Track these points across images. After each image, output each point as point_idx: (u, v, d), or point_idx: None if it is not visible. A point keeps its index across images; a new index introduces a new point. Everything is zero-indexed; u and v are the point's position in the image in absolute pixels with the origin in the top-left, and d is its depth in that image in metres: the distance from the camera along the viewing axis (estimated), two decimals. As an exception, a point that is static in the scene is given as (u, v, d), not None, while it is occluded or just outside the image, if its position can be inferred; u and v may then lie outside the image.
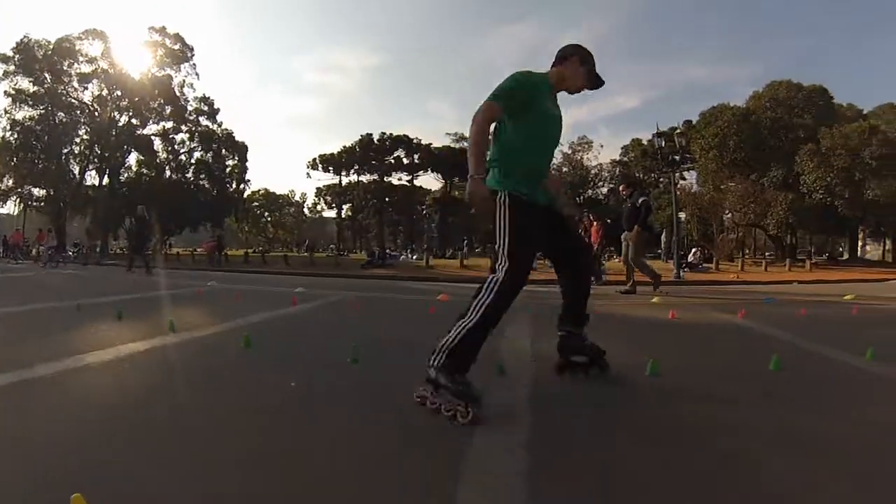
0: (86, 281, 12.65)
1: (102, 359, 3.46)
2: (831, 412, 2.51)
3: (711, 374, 3.27)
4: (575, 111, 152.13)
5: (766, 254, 37.44)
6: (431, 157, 62.22)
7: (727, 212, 31.57)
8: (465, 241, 42.63)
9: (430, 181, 69.33)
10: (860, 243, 39.13)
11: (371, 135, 62.86)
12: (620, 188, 12.75)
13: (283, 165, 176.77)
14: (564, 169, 63.90)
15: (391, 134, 62.56)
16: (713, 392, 2.88)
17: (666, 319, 5.74)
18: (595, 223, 13.26)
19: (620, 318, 6.19)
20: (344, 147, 64.05)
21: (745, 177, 30.77)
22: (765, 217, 29.46)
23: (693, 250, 23.41)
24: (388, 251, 27.89)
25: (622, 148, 61.62)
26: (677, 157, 21.10)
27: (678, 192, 43.14)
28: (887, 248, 38.65)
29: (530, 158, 2.81)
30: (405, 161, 63.75)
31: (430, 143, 62.58)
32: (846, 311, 6.72)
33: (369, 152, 62.87)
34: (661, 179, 56.69)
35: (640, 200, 9.66)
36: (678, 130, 22.90)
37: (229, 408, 2.51)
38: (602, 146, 70.19)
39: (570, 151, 63.66)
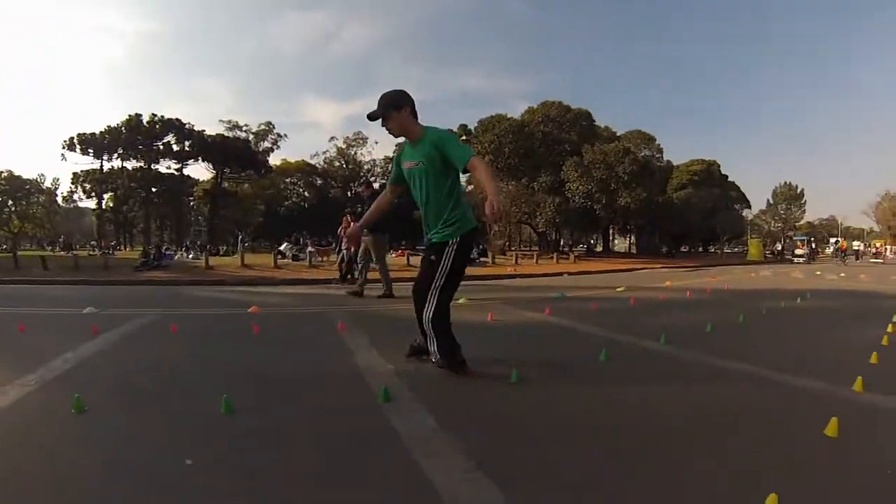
0: None
1: None
2: (657, 385, 3.41)
3: (562, 372, 3.76)
4: (347, 106, 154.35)
5: (533, 248, 41.84)
6: (203, 145, 57.69)
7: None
8: (241, 237, 40.41)
9: (199, 171, 64.94)
10: (611, 238, 45.77)
11: (140, 115, 56.55)
12: (361, 190, 13.13)
13: (30, 143, 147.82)
14: (337, 163, 65.01)
15: (162, 116, 56.94)
16: (575, 388, 3.37)
17: (488, 322, 6.07)
18: (353, 222, 13.17)
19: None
20: (108, 127, 56.55)
21: (517, 180, 34.28)
22: (534, 216, 33.27)
23: (470, 246, 25.09)
24: (163, 251, 25.21)
25: (396, 145, 64.14)
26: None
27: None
28: (631, 241, 45.90)
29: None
30: (175, 147, 58.32)
31: (203, 130, 58.22)
32: (626, 303, 7.87)
33: (137, 135, 56.30)
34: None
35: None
36: (462, 137, 24.38)
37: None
38: (377, 142, 72.84)
39: (344, 146, 64.88)
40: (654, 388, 3.34)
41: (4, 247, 50.44)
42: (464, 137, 24.44)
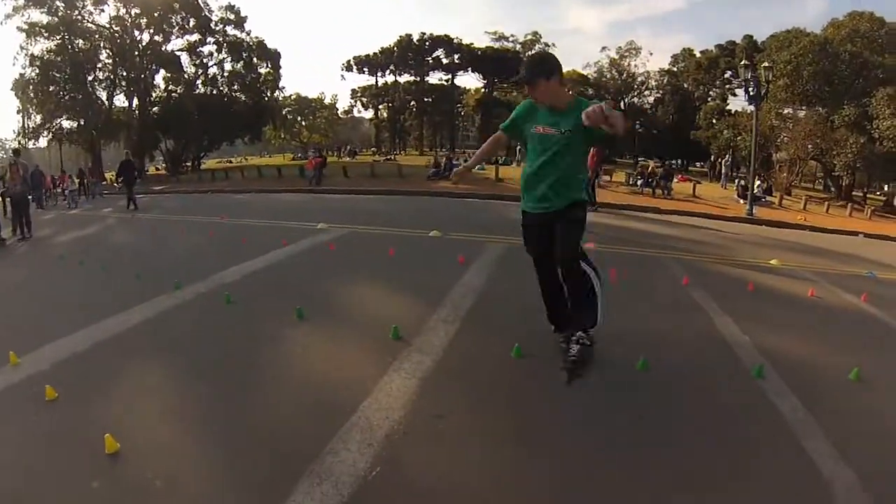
0: (155, 231, 11.47)
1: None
2: None
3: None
4: (610, 10, 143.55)
5: (817, 186, 36.82)
6: (472, 58, 61.70)
7: (785, 140, 30.63)
8: (518, 147, 41.15)
9: (470, 80, 68.72)
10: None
11: (410, 35, 62.45)
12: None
13: (310, 68, 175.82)
14: (608, 74, 62.66)
15: (431, 34, 62.08)
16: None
17: (808, 299, 6.11)
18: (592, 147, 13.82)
19: (765, 293, 6.27)
20: (381, 48, 63.87)
21: (814, 110, 29.87)
22: (829, 154, 28.46)
23: (757, 183, 23.29)
24: (452, 160, 26.58)
25: (672, 57, 59.96)
26: (748, 90, 20.26)
27: (733, 114, 42.39)
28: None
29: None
30: (445, 61, 63.44)
31: (472, 43, 61.86)
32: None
33: (408, 52, 62.72)
34: (711, 94, 55.47)
35: None
36: (743, 62, 22.20)
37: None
38: (651, 53, 68.81)
39: (616, 56, 61.98)
40: None
41: (299, 155, 60.79)
42: (744, 63, 21.35)
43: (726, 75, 53.11)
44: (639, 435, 2.91)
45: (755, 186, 22.06)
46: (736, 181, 24.26)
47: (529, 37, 64.79)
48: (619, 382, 3.52)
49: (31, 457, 2.72)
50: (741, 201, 19.64)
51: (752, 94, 19.08)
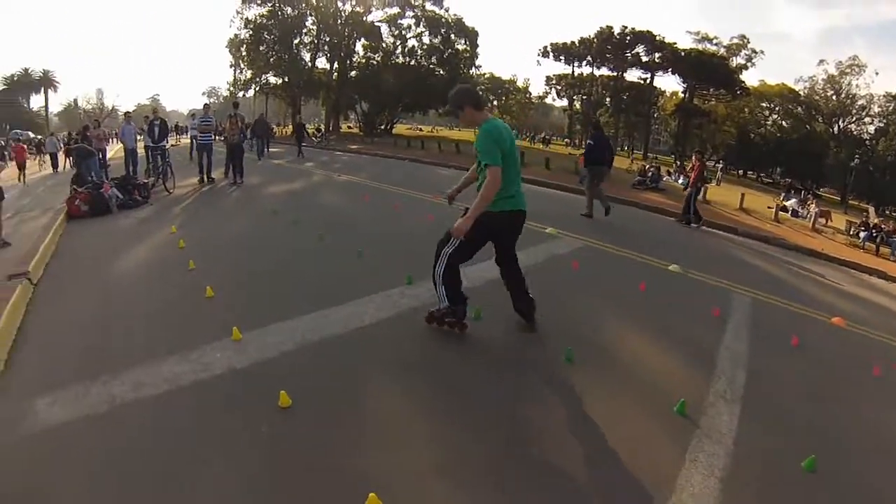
0: (364, 199, 11.56)
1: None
2: None
3: None
4: (827, 13, 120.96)
5: None
6: (674, 58, 58.22)
7: None
8: (719, 164, 36.39)
9: (668, 82, 65.67)
10: None
11: (612, 28, 60.66)
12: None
13: (504, 49, 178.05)
14: (829, 93, 55.61)
15: (633, 28, 59.86)
16: None
17: None
18: (698, 162, 14.09)
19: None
20: (581, 38, 62.81)
21: None
22: None
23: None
24: (659, 171, 25.63)
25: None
26: None
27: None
28: None
29: None
30: (644, 59, 60.68)
31: (674, 43, 58.70)
32: None
33: (607, 45, 60.95)
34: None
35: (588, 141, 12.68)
36: None
37: None
38: (877, 73, 60.29)
39: (835, 72, 54.78)
40: None
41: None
42: None
43: None
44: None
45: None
46: None
47: (735, 40, 60.09)
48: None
49: (284, 476, 2.68)
50: None
51: None
